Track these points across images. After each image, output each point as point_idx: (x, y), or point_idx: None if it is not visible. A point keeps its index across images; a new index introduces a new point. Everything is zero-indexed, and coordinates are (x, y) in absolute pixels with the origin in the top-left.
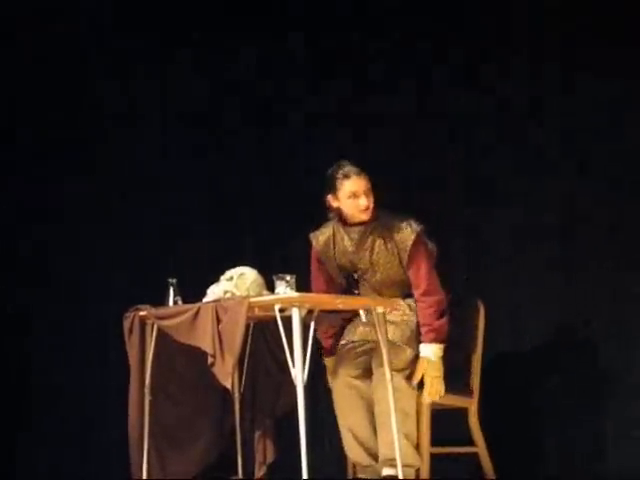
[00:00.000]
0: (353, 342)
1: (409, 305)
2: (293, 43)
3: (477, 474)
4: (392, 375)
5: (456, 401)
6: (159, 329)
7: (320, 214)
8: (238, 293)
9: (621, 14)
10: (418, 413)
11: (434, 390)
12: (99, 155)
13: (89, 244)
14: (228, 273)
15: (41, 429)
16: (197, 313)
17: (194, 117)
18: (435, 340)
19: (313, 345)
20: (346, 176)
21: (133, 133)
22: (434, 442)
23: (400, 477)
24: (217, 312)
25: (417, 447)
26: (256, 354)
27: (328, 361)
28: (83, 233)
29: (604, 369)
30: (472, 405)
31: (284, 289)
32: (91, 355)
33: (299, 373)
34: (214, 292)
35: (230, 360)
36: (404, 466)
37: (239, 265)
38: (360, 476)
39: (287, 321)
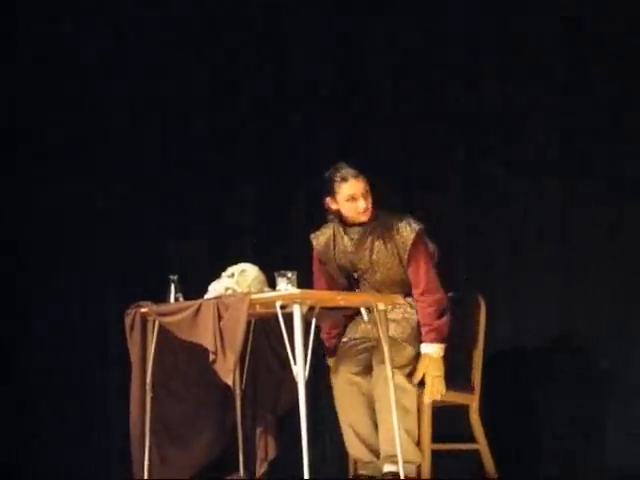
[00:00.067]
0: (354, 339)
1: (410, 303)
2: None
3: (478, 471)
4: (393, 372)
5: (457, 398)
6: (160, 326)
7: (320, 214)
8: (239, 290)
9: (621, 14)
10: (419, 410)
11: (435, 390)
12: (99, 155)
13: (89, 243)
14: (229, 270)
15: (42, 429)
16: (198, 310)
17: (194, 117)
18: (436, 340)
19: (314, 342)
20: (344, 179)
21: (133, 133)
22: (435, 439)
23: (401, 473)
24: (218, 309)
25: (418, 444)
26: (257, 351)
27: (331, 361)
28: (83, 232)
29: (604, 369)
30: (473, 402)
31: (285, 286)
32: (91, 355)
33: (300, 370)
34: (215, 289)
35: (231, 357)
36: (405, 462)
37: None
38: (361, 472)
39: (288, 318)
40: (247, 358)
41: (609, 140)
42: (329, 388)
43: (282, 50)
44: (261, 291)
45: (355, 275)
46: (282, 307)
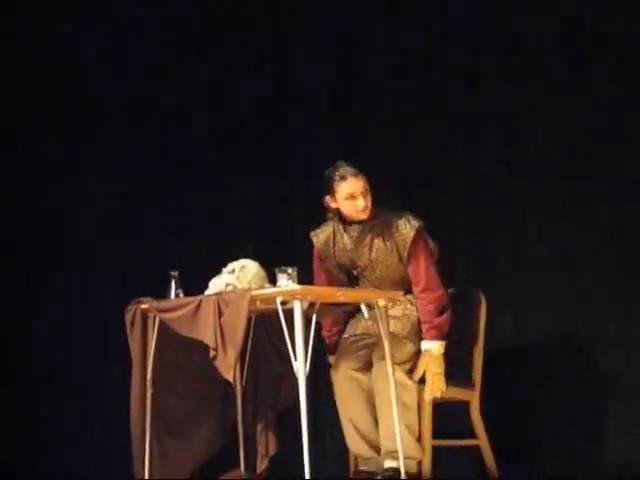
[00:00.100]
0: (355, 335)
1: (410, 300)
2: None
3: (479, 467)
4: (393, 369)
5: (458, 394)
6: (161, 322)
7: (320, 214)
8: (240, 286)
9: (621, 14)
10: (420, 406)
11: (435, 387)
12: (99, 155)
13: (89, 243)
14: (230, 266)
15: (42, 429)
16: (199, 306)
17: (194, 117)
18: (436, 337)
19: (315, 338)
20: (343, 178)
21: (133, 133)
22: (436, 435)
23: (402, 469)
24: (219, 305)
25: (419, 439)
26: (258, 347)
27: (332, 359)
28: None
29: (604, 369)
30: (474, 398)
31: (286, 282)
32: (91, 355)
33: (301, 366)
34: (216, 285)
35: (232, 353)
36: (406, 458)
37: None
38: (362, 468)
39: (289, 314)
40: (247, 354)
41: (609, 140)
42: (330, 384)
43: (282, 50)
44: (262, 287)
45: (355, 272)
46: (283, 303)
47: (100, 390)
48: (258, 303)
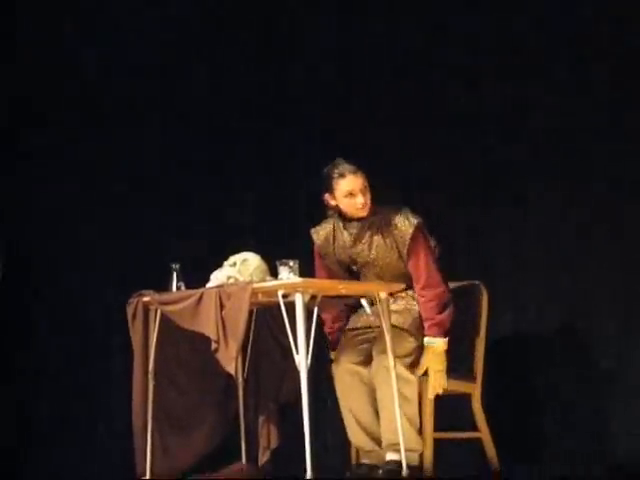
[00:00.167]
0: (356, 329)
1: (412, 296)
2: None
3: (480, 459)
4: (394, 362)
5: (459, 386)
6: (163, 315)
7: (320, 214)
8: (241, 279)
9: (621, 14)
10: (421, 399)
11: (437, 384)
12: (99, 155)
13: (89, 242)
14: (231, 259)
15: (42, 429)
16: (200, 299)
17: (194, 117)
18: (438, 334)
19: (316, 331)
20: (341, 175)
21: (133, 133)
22: (437, 427)
23: (403, 462)
24: (220, 298)
25: (420, 432)
26: (259, 340)
27: (334, 354)
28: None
29: (604, 369)
30: (475, 390)
31: (287, 274)
32: (91, 355)
33: (302, 359)
34: (217, 278)
35: (233, 345)
36: (407, 451)
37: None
38: (364, 461)
39: (290, 307)
40: (249, 347)
41: (609, 140)
42: (331, 378)
43: (282, 50)
44: (263, 280)
45: (355, 268)
46: (284, 296)
47: (99, 390)
48: (260, 296)
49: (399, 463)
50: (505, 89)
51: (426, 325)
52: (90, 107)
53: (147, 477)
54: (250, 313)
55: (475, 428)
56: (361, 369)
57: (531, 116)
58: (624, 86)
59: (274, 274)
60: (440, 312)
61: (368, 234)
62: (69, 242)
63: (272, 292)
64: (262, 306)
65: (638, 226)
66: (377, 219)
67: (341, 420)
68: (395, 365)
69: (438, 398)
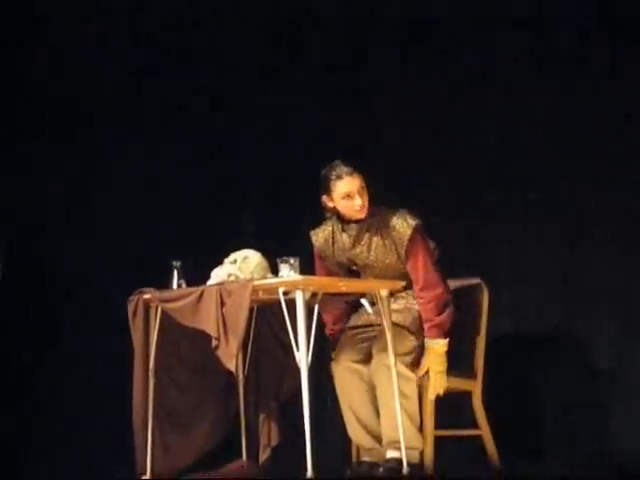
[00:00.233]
0: (356, 327)
1: (412, 295)
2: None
3: (481, 456)
4: (395, 360)
5: (460, 384)
6: (163, 312)
7: (320, 215)
8: (242, 276)
9: (621, 14)
10: (422, 396)
11: (438, 385)
12: (99, 155)
13: (89, 242)
14: (232, 256)
15: (42, 429)
16: (201, 296)
17: (194, 117)
18: (438, 335)
19: (317, 328)
20: (339, 177)
21: (131, 133)
22: (438, 425)
23: (404, 459)
24: (221, 295)
25: (420, 430)
26: (260, 337)
27: (335, 353)
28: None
29: (604, 369)
30: (476, 388)
31: (288, 272)
32: (91, 355)
33: (303, 356)
34: (218, 275)
35: (234, 343)
36: (408, 448)
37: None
38: (364, 459)
39: (291, 304)
40: (250, 344)
41: (609, 140)
42: (332, 376)
43: (282, 50)
44: (264, 277)
45: (354, 268)
46: (285, 293)
47: (100, 390)
48: (260, 293)
49: (399, 461)
50: (505, 89)
51: (426, 326)
52: (90, 108)
53: (147, 475)
54: (251, 310)
55: (476, 426)
56: (361, 367)
57: (531, 116)
58: (624, 86)
59: (275, 271)
60: (439, 313)
61: (367, 236)
62: (69, 242)
63: (273, 289)
64: (263, 303)
65: (638, 226)
66: (375, 221)
67: (341, 418)
68: (395, 363)
69: (439, 397)
